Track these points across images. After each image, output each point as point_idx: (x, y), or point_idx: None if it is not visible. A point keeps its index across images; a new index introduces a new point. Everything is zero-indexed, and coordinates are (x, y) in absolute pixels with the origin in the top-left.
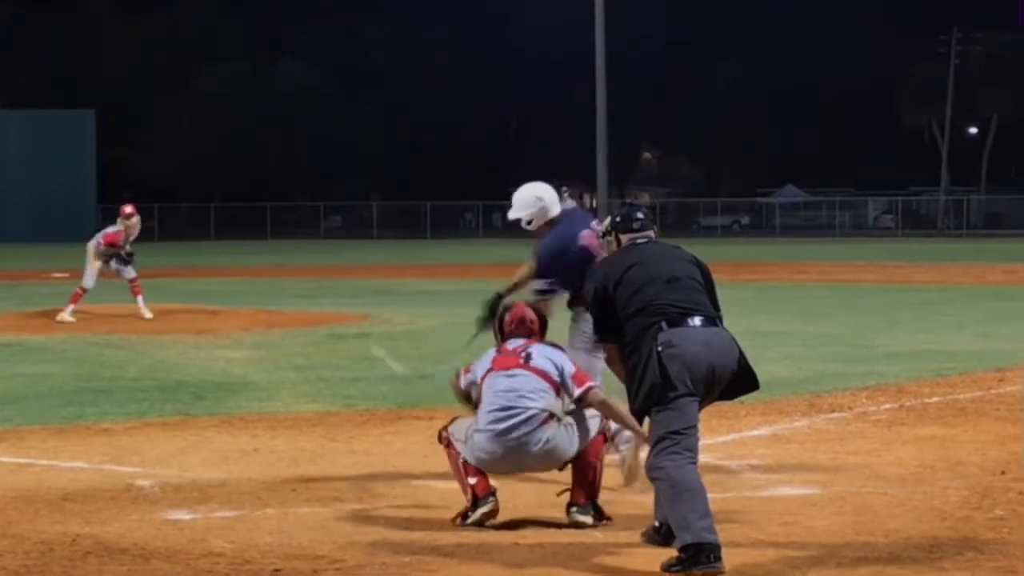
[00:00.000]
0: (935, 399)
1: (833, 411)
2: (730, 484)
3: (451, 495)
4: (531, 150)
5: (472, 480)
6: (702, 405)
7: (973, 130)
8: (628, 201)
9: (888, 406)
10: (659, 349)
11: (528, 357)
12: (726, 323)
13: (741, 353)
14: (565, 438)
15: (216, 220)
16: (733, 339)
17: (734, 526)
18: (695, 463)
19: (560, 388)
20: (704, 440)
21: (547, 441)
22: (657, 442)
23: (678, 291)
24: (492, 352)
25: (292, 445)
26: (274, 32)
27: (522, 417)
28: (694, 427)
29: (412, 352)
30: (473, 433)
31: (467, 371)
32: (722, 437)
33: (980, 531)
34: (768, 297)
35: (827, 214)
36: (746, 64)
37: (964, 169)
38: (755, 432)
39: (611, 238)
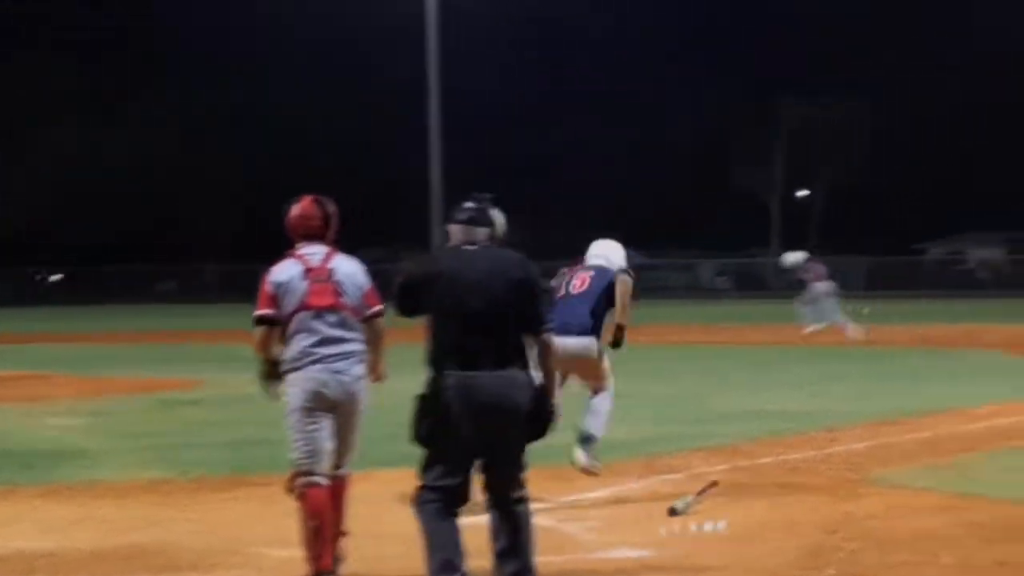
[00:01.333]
0: (768, 459)
1: (669, 472)
2: (567, 546)
3: (289, 565)
4: (365, 218)
5: (314, 553)
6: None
7: (802, 193)
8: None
9: (722, 466)
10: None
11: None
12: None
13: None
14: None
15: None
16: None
17: None
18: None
19: None
20: (541, 503)
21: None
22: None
23: (473, 332)
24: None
25: (123, 513)
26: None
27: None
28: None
29: (247, 417)
30: None
31: None
32: (559, 498)
33: None
34: None
35: (663, 275)
36: (575, 125)
37: (796, 232)
38: (592, 494)
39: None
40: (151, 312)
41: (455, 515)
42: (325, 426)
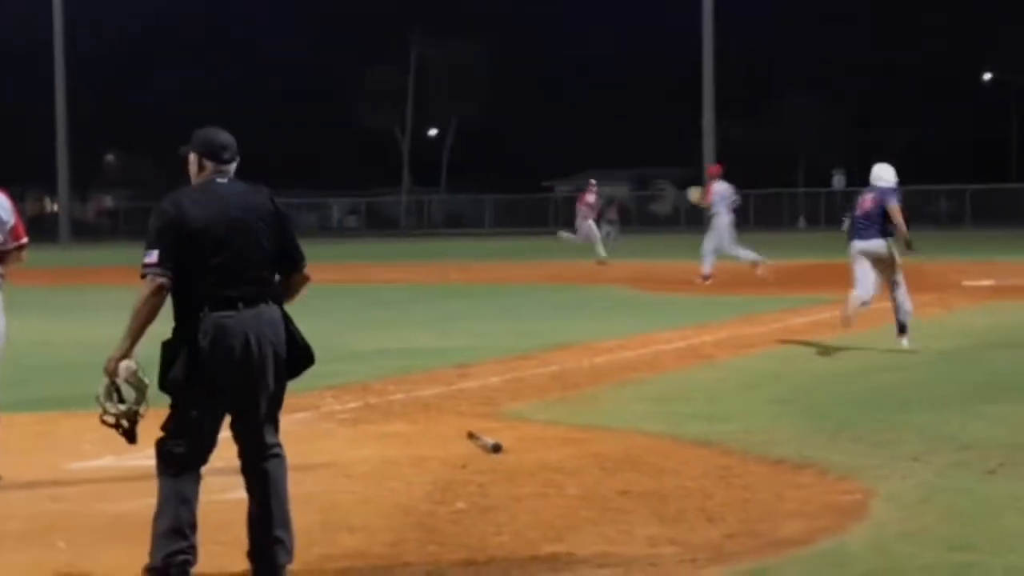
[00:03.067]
0: (399, 396)
1: (300, 411)
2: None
3: None
4: None
5: None
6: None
7: (433, 132)
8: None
9: (353, 405)
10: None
11: None
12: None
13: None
14: None
15: None
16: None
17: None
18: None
19: None
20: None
21: None
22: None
23: (229, 271)
24: None
25: None
26: None
27: None
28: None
29: None
30: None
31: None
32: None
33: (442, 524)
34: None
35: (294, 216)
36: (195, 68)
37: (425, 171)
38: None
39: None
40: None
41: (198, 473)
42: None
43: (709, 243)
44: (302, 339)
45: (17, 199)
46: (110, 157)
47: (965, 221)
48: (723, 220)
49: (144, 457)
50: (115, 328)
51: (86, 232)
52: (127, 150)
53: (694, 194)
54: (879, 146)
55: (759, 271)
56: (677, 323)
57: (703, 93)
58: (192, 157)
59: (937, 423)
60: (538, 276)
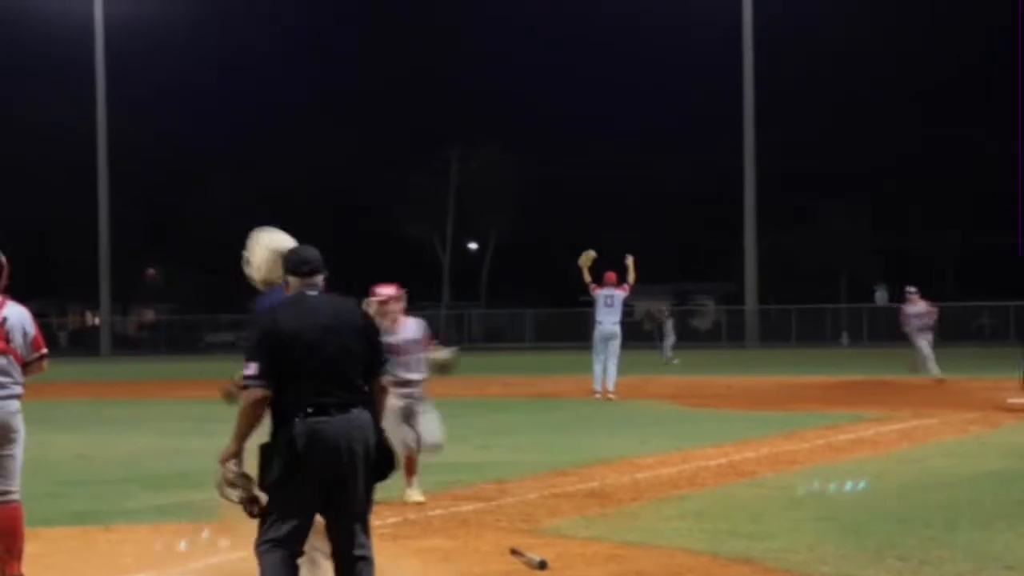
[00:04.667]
0: (438, 511)
1: None
2: None
3: None
4: (30, 268)
5: None
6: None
7: (472, 245)
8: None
9: (393, 520)
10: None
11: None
12: None
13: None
14: None
15: None
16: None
17: None
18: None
19: None
20: None
21: None
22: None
23: (323, 378)
24: None
25: None
26: None
27: None
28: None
29: None
30: None
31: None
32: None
33: None
34: None
35: None
36: (238, 177)
37: (464, 284)
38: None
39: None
40: None
41: (295, 564)
42: None
43: None
44: (389, 444)
45: (59, 312)
46: (151, 270)
47: (1009, 337)
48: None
49: (183, 573)
50: (155, 441)
51: (128, 345)
52: (168, 263)
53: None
54: (926, 261)
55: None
56: (718, 439)
57: (744, 208)
58: (284, 276)
59: (983, 542)
60: (578, 391)
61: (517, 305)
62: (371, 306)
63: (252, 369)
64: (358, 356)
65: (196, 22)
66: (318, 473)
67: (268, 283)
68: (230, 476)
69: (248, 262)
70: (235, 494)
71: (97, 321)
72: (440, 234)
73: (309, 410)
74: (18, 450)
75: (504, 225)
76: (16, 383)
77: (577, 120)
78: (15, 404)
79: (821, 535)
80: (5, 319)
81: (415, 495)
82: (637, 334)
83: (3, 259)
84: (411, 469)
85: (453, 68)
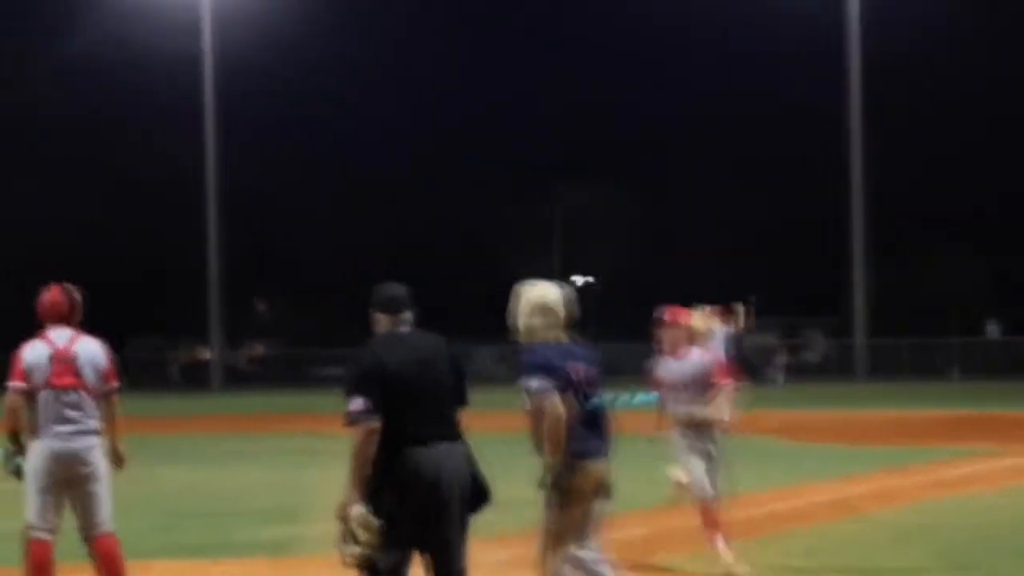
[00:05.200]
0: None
1: None
2: None
3: None
4: (141, 304)
5: None
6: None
7: (579, 279)
8: None
9: (502, 556)
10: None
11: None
12: None
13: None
14: None
15: None
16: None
17: None
18: None
19: None
20: None
21: None
22: None
23: (423, 411)
24: None
25: None
26: None
27: None
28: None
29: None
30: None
31: None
32: None
33: None
34: None
35: None
36: (345, 219)
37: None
38: None
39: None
40: None
41: None
42: (58, 496)
43: None
44: (483, 477)
45: (170, 347)
46: (262, 305)
47: None
48: None
49: None
50: (265, 475)
51: (238, 379)
52: (278, 298)
53: None
54: None
55: None
56: (828, 474)
57: (852, 242)
58: (372, 313)
59: None
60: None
61: (626, 339)
62: (662, 330)
63: (359, 403)
64: (451, 389)
65: (300, 61)
66: (419, 504)
67: (530, 334)
68: (354, 522)
69: (512, 313)
70: (353, 550)
71: (208, 355)
72: (546, 267)
73: (409, 442)
74: (100, 487)
75: (611, 258)
76: (89, 418)
77: (682, 152)
78: (90, 439)
79: (932, 571)
80: (76, 355)
81: (733, 565)
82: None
83: (78, 296)
84: (711, 522)
85: (559, 101)
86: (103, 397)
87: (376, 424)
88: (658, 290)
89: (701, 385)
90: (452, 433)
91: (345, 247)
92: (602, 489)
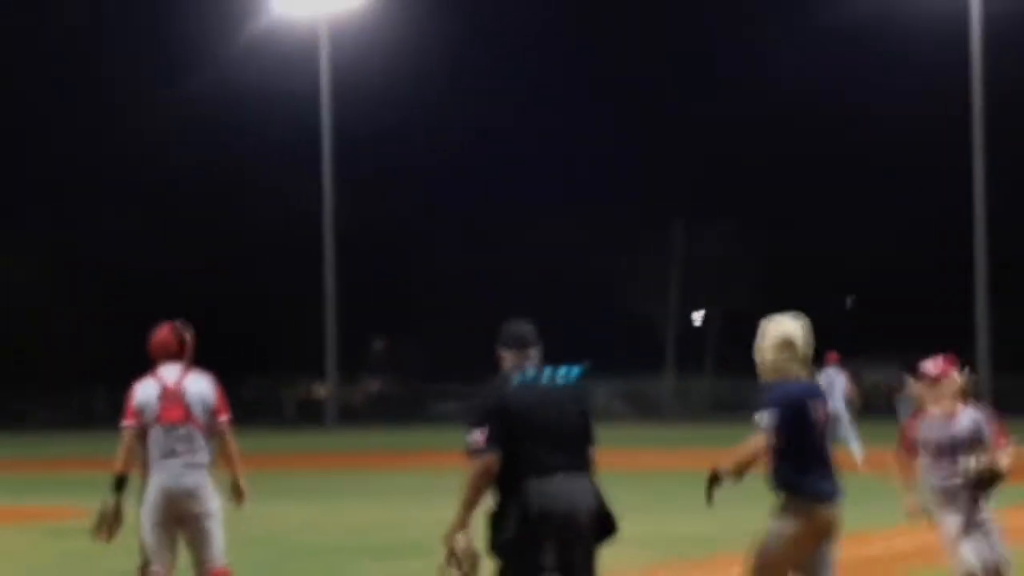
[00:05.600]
0: None
1: None
2: None
3: None
4: (258, 342)
5: None
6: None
7: (697, 315)
8: None
9: None
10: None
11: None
12: None
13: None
14: None
15: None
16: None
17: None
18: None
19: None
20: None
21: None
22: None
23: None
24: None
25: None
26: None
27: None
28: None
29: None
30: None
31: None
32: None
33: None
34: None
35: None
36: (467, 250)
37: (689, 355)
38: None
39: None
40: (29, 440)
41: None
42: (171, 532)
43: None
44: (609, 509)
45: (286, 383)
46: (377, 342)
47: None
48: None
49: None
50: (383, 512)
51: (353, 417)
52: (394, 335)
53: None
54: None
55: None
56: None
57: (975, 278)
58: (498, 350)
59: None
60: None
61: (746, 376)
62: (919, 386)
63: (482, 436)
64: (577, 424)
65: (418, 97)
66: (548, 534)
67: (777, 371)
68: (459, 549)
69: (757, 349)
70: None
71: (323, 392)
72: (663, 306)
73: (536, 474)
74: (212, 523)
75: (731, 296)
76: (198, 453)
77: (801, 190)
78: (200, 475)
79: None
80: (186, 391)
81: None
82: (873, 406)
83: (188, 334)
84: None
85: (676, 140)
86: (215, 433)
87: (494, 458)
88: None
89: (971, 448)
90: (579, 466)
91: (463, 283)
92: (832, 533)
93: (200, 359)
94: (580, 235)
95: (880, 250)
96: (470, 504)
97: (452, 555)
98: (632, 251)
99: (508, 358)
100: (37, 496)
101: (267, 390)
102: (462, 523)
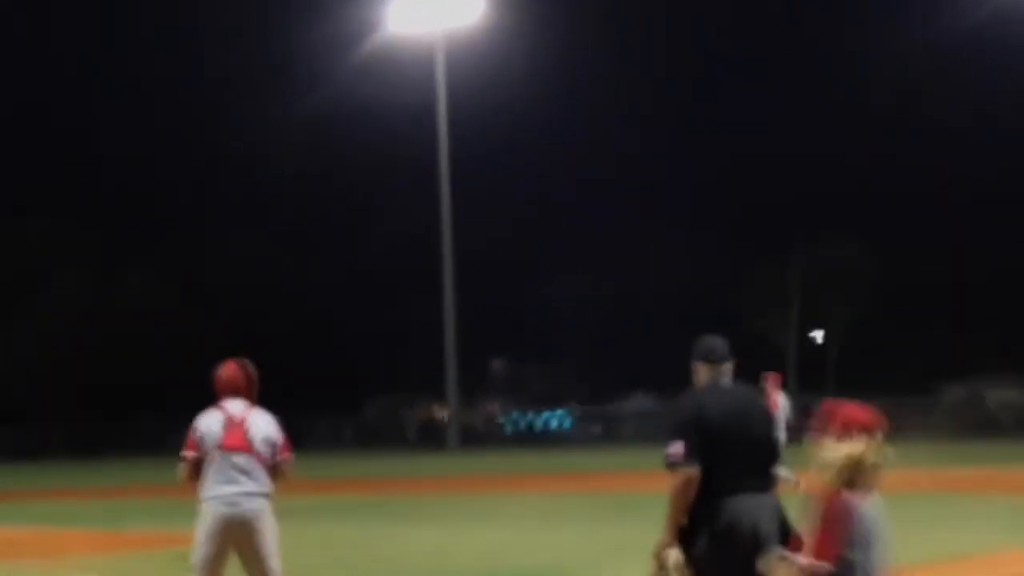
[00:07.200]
0: None
1: None
2: None
3: None
4: (379, 364)
5: None
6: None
7: (818, 333)
8: None
9: None
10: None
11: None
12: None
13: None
14: None
15: (64, 439)
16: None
17: None
18: None
19: None
20: None
21: None
22: None
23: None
24: None
25: None
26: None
27: None
28: None
29: None
30: None
31: None
32: None
33: None
34: (624, 506)
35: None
36: (588, 274)
37: (811, 373)
38: None
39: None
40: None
41: None
42: (223, 557)
43: None
44: (793, 527)
45: (408, 406)
46: (497, 363)
47: None
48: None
49: None
50: (510, 536)
51: (474, 439)
52: (514, 356)
53: None
54: None
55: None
56: None
57: None
58: (693, 363)
59: None
60: (925, 482)
61: (867, 394)
62: None
63: (680, 449)
64: (765, 442)
65: (538, 115)
66: (738, 551)
67: None
68: (670, 564)
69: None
70: None
71: (444, 414)
72: (783, 324)
73: (725, 492)
74: (266, 547)
75: (852, 314)
76: (256, 481)
77: (918, 211)
78: (257, 502)
79: None
80: (249, 425)
81: None
82: (992, 424)
83: (253, 371)
84: None
85: (796, 159)
86: (276, 468)
87: (694, 471)
88: (898, 344)
89: None
90: (765, 484)
91: (580, 306)
92: None
93: (321, 385)
94: (701, 255)
95: (1000, 271)
96: (675, 520)
97: (662, 569)
98: (751, 270)
99: (702, 371)
100: (171, 522)
101: (389, 412)
102: (671, 537)
